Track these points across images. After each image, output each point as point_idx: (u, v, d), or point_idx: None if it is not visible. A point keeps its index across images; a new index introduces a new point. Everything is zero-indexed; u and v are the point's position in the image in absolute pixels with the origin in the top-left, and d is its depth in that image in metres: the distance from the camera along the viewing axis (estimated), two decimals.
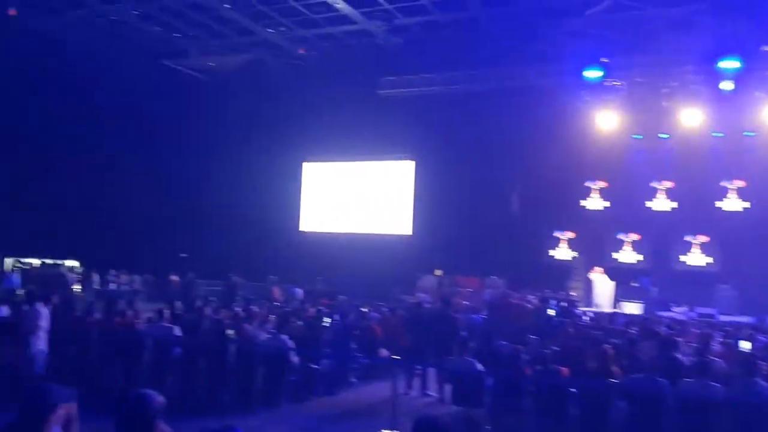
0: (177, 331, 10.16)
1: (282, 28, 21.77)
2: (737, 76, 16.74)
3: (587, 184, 22.27)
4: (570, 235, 22.51)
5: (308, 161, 25.91)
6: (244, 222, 23.03)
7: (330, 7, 19.75)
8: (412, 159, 23.93)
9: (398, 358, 10.55)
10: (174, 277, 20.83)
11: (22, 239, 21.43)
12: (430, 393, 10.90)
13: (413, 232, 23.53)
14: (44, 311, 9.72)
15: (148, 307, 12.93)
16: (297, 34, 22.08)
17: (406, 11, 19.71)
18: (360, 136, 22.85)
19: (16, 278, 18.85)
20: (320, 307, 13.13)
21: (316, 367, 10.38)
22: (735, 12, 15.77)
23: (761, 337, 12.21)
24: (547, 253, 22.63)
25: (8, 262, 21.91)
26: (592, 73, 18.18)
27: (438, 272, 20.93)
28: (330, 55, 22.80)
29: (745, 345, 10.90)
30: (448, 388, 9.89)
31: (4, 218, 20.59)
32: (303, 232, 25.55)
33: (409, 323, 11.99)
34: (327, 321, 11.91)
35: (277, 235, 23.68)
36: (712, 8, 16.38)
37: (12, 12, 20.22)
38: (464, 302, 17.54)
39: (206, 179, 23.84)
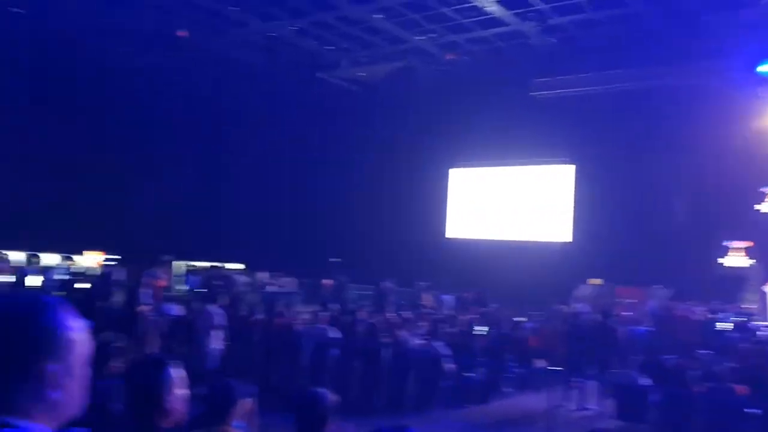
0: (334, 332, 10.47)
1: (432, 35, 21.92)
2: None
3: (762, 188, 20.38)
4: (744, 242, 20.69)
5: (456, 167, 25.84)
6: (391, 228, 23.38)
7: (481, 11, 19.61)
8: (571, 162, 23.07)
9: (555, 369, 10.21)
10: (327, 281, 21.54)
11: (190, 243, 23.11)
12: (590, 406, 10.43)
13: (573, 238, 22.67)
14: (218, 311, 10.34)
15: (304, 309, 13.44)
16: (447, 39, 22.14)
17: (560, 10, 19.16)
18: (512, 140, 22.41)
19: (194, 279, 20.25)
20: (473, 315, 13.01)
21: (469, 375, 10.28)
22: None
23: None
24: (717, 261, 20.96)
25: (179, 264, 23.65)
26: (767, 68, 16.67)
27: (596, 281, 20.00)
28: (480, 58, 22.65)
29: None
30: (607, 402, 9.43)
31: (176, 224, 22.36)
32: (449, 239, 25.48)
33: (567, 334, 11.56)
34: (481, 330, 11.76)
35: (423, 242, 23.80)
36: None
37: (182, 34, 21.98)
38: (625, 313, 16.67)
39: (356, 187, 24.49)
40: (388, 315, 12.56)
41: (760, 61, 16.82)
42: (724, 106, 18.02)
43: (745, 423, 7.40)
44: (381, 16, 20.67)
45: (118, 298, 12.13)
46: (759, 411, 7.37)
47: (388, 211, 23.76)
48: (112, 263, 20.11)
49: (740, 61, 16.87)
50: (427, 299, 19.18)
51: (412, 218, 23.96)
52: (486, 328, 11.89)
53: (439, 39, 22.14)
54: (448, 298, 18.95)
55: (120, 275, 14.12)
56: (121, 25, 21.03)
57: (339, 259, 23.16)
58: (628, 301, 18.23)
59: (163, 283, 14.93)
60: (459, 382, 10.13)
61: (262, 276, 21.45)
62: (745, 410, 7.47)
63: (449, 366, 9.67)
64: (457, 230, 25.67)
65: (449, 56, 23.34)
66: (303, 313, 12.30)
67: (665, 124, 19.24)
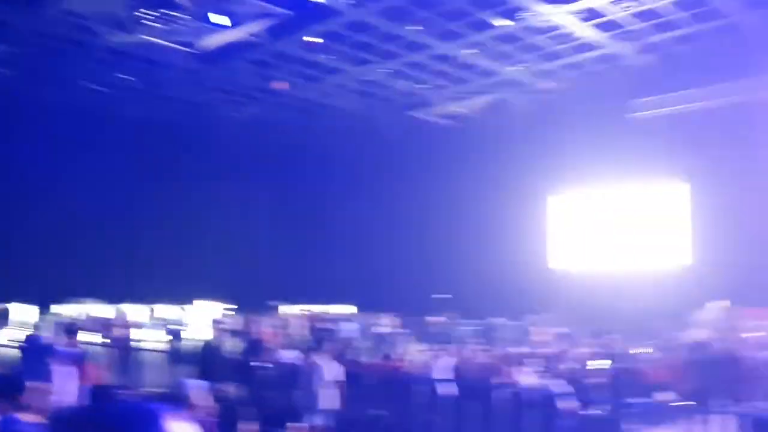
0: (445, 373, 10.37)
1: (524, 64, 21.78)
2: None
3: None
4: None
5: (553, 194, 25.23)
6: (494, 262, 23.05)
7: (572, 36, 19.35)
8: (686, 181, 21.92)
9: (682, 403, 9.65)
10: (434, 319, 21.43)
11: (296, 288, 23.70)
12: None
13: (694, 260, 21.43)
14: (330, 363, 9.80)
15: (413, 348, 13.38)
16: (539, 68, 21.94)
17: (656, 28, 18.63)
18: (611, 163, 21.68)
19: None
20: (588, 349, 12.54)
21: (588, 412, 9.89)
22: None
23: None
24: None
25: (284, 309, 24.19)
26: None
27: (723, 304, 18.73)
28: (576, 83, 22.25)
29: None
30: None
31: (284, 270, 23.08)
32: (552, 270, 24.77)
33: (692, 364, 10.90)
34: (598, 363, 11.31)
35: (526, 274, 23.28)
36: None
37: (281, 85, 22.93)
38: (754, 336, 15.54)
39: (458, 222, 24.42)
40: (500, 352, 12.34)
41: None
42: None
43: None
44: (471, 51, 20.77)
45: (235, 347, 12.37)
46: None
47: (490, 244, 23.49)
48: (228, 312, 20.88)
49: None
50: (537, 334, 18.68)
51: (515, 250, 23.53)
52: (605, 362, 11.42)
53: (531, 67, 21.98)
54: (560, 332, 18.35)
55: (236, 324, 14.54)
56: (221, 83, 22.23)
57: (448, 295, 23.03)
58: (758, 323, 16.98)
59: (269, 331, 15.24)
60: (578, 421, 9.74)
61: (369, 317, 21.60)
62: None
63: (569, 404, 9.33)
64: (560, 259, 24.95)
65: (542, 84, 23.11)
66: (413, 354, 12.24)
67: None
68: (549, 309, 20.53)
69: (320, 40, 19.94)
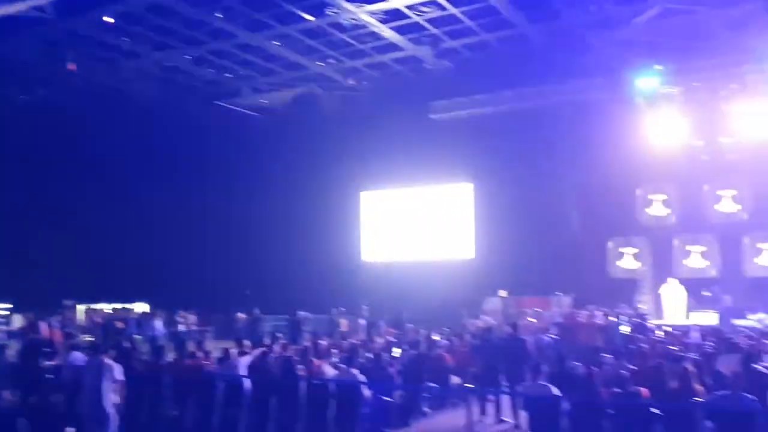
0: (245, 369, 10.27)
1: (331, 60, 22.14)
2: None
3: (649, 194, 21.76)
4: (634, 247, 21.98)
5: (366, 190, 26.06)
6: (305, 256, 23.28)
7: (377, 36, 20.01)
8: (470, 181, 23.77)
9: (471, 385, 10.43)
10: (240, 315, 21.13)
11: (91, 284, 22.11)
12: (506, 419, 10.71)
13: (476, 254, 23.33)
14: (112, 364, 9.01)
15: (217, 346, 13.09)
16: (346, 65, 22.43)
17: (452, 34, 19.82)
18: (416, 162, 22.90)
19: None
20: (389, 338, 13.10)
21: (388, 399, 10.33)
22: None
23: None
24: (612, 266, 22.14)
25: (80, 308, 22.57)
26: (646, 82, 17.82)
27: (503, 293, 20.67)
28: (381, 82, 23.07)
29: None
30: (523, 414, 9.70)
31: (72, 264, 21.35)
32: (365, 262, 25.62)
33: (479, 349, 11.83)
34: (396, 351, 11.86)
35: (339, 267, 23.83)
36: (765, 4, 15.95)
37: (71, 67, 21.17)
38: (531, 323, 17.25)
39: (266, 215, 24.25)
40: (302, 345, 12.46)
41: (638, 76, 17.92)
42: (611, 120, 19.11)
43: (652, 425, 7.80)
44: (277, 43, 20.71)
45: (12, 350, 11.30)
46: (660, 411, 7.78)
47: (301, 238, 23.64)
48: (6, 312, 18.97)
49: (621, 76, 17.93)
50: (344, 325, 19.17)
51: (327, 244, 23.94)
52: (400, 350, 12.01)
53: (338, 65, 22.40)
54: (365, 323, 18.99)
55: (21, 325, 13.26)
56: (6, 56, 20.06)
57: (250, 292, 22.79)
58: (533, 310, 18.89)
59: (57, 332, 14.14)
60: (378, 407, 10.15)
61: (170, 315, 20.77)
62: (651, 412, 7.85)
63: (367, 393, 9.69)
64: (373, 253, 25.85)
65: (350, 82, 23.66)
66: (214, 351, 11.97)
67: (556, 139, 20.24)
68: (360, 301, 21.16)
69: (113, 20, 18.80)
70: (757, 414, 7.34)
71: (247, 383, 10.03)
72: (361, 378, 9.73)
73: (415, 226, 25.15)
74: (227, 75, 23.60)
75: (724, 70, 17.60)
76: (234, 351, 10.96)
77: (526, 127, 20.48)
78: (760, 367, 9.07)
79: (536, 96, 19.98)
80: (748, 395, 7.54)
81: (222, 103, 24.83)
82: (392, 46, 20.83)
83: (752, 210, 20.26)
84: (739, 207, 20.51)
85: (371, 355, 11.18)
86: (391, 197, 25.81)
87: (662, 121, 19.06)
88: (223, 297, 22.52)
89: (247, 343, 12.08)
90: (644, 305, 19.90)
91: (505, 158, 21.42)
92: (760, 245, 20.16)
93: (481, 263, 22.60)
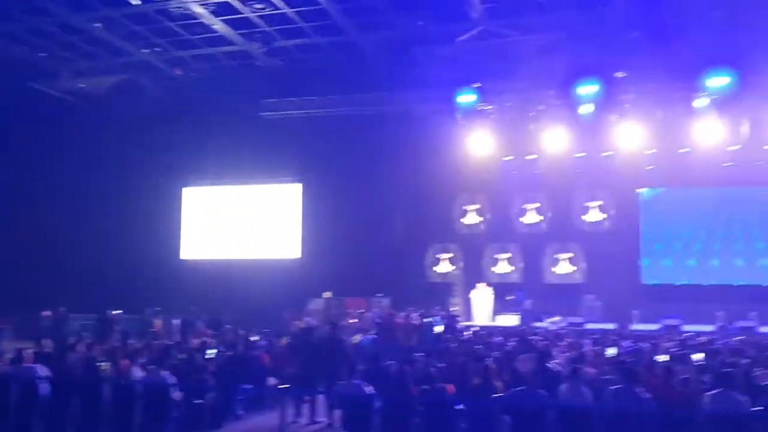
0: (42, 370, 9.49)
1: (157, 49, 21.13)
2: (595, 100, 17.97)
3: (464, 203, 23.14)
4: (450, 252, 23.24)
5: (189, 186, 25.11)
6: (120, 252, 21.97)
7: (207, 28, 19.42)
8: (299, 182, 23.74)
9: (286, 386, 10.41)
10: (46, 313, 19.42)
11: None
12: (320, 420, 10.82)
13: (302, 255, 23.33)
14: None
15: (14, 346, 12.05)
16: (173, 54, 21.51)
17: (284, 33, 19.72)
18: (244, 159, 22.48)
19: None
20: (205, 339, 12.73)
21: (199, 401, 10.03)
22: (592, 39, 16.96)
23: (624, 343, 13.12)
24: (430, 270, 23.23)
25: None
26: (466, 98, 18.90)
27: (327, 294, 20.90)
28: (209, 76, 22.38)
29: (611, 351, 11.67)
30: (337, 413, 9.85)
31: None
32: (185, 260, 24.66)
33: (298, 349, 11.86)
34: (211, 352, 11.56)
35: (157, 264, 22.74)
36: (571, 35, 17.54)
37: None
38: (352, 323, 17.62)
39: (79, 208, 22.58)
40: (110, 346, 11.76)
41: (459, 92, 18.96)
42: (432, 131, 20.09)
43: (456, 419, 8.26)
44: (99, 25, 19.42)
45: None
46: (464, 407, 8.28)
47: (116, 234, 22.26)
48: None
49: (443, 90, 18.87)
50: (159, 325, 18.33)
51: (145, 240, 22.74)
52: (215, 351, 11.73)
53: (164, 53, 21.43)
54: (178, 322, 18.28)
55: None
56: None
57: (57, 288, 21.03)
58: (355, 311, 19.33)
59: None
60: (189, 410, 9.82)
61: None
62: (456, 407, 8.32)
63: (176, 394, 9.34)
64: (193, 251, 24.93)
65: (177, 72, 22.72)
66: (8, 352, 10.96)
67: (382, 146, 20.87)
68: (178, 300, 20.33)
69: None
70: (548, 407, 8.03)
71: (45, 386, 9.28)
72: (171, 380, 9.37)
73: (240, 225, 24.66)
74: (43, 55, 21.68)
75: (532, 93, 19.17)
76: (30, 352, 10.11)
77: (355, 131, 20.92)
78: (551, 365, 9.94)
79: (365, 103, 20.45)
80: (541, 391, 8.23)
81: (36, 86, 22.69)
82: (223, 40, 20.33)
83: (551, 223, 22.34)
84: (541, 218, 22.49)
85: (184, 356, 10.81)
86: (216, 194, 25.12)
87: (479, 136, 20.34)
88: (28, 293, 20.59)
89: (47, 342, 11.20)
90: (456, 307, 21.12)
91: (334, 161, 21.72)
92: (557, 255, 22.20)
93: (306, 264, 22.68)
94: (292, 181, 23.78)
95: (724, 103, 17.39)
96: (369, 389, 8.92)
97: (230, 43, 20.48)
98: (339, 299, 20.88)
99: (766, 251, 20.60)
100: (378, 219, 21.91)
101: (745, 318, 18.15)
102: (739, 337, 14.39)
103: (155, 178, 23.16)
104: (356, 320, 18.24)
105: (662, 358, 10.67)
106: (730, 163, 19.73)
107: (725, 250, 20.97)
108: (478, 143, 20.48)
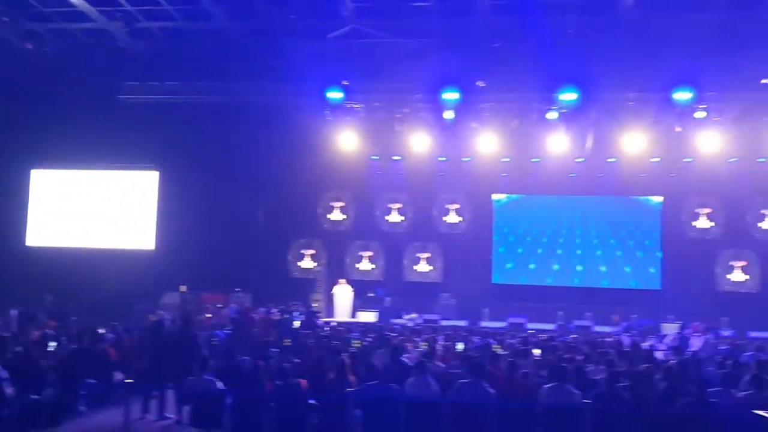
0: None
1: (5, 19, 19.47)
2: (457, 107, 18.69)
3: (330, 200, 23.28)
4: (313, 249, 23.30)
5: (38, 168, 23.35)
6: None
7: (63, 1, 18.18)
8: (156, 169, 22.74)
9: (132, 381, 10.02)
10: None
11: None
12: (168, 416, 10.50)
13: (156, 246, 22.36)
14: None
15: None
16: (25, 27, 19.92)
17: (149, 15, 18.86)
18: (99, 143, 21.18)
19: None
20: (47, 330, 11.95)
21: (35, 397, 9.41)
22: (456, 47, 17.62)
23: (474, 339, 13.83)
24: (293, 266, 23.15)
25: None
26: (334, 95, 18.99)
27: (182, 288, 20.23)
28: (65, 53, 20.90)
29: (460, 346, 12.29)
30: (186, 409, 9.61)
31: None
32: (31, 247, 22.93)
33: (147, 343, 11.43)
34: (53, 345, 10.88)
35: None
36: (438, 42, 18.14)
37: None
38: (208, 318, 17.23)
39: None
40: None
41: (328, 88, 19.03)
42: (300, 126, 20.01)
43: (308, 414, 8.31)
44: None
45: None
46: (316, 402, 8.36)
47: None
48: None
49: (312, 85, 18.86)
50: None
51: None
52: (56, 344, 11.06)
53: (14, 25, 19.80)
54: (15, 313, 16.97)
55: None
56: None
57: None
58: (212, 306, 18.93)
59: None
60: (24, 407, 9.19)
61: None
62: (308, 402, 8.37)
63: (9, 390, 8.71)
64: (40, 238, 23.20)
65: (28, 46, 21.04)
66: None
67: (247, 137, 20.53)
68: (20, 289, 18.88)
69: None
70: (398, 400, 8.29)
71: None
72: (3, 374, 8.74)
73: (93, 212, 23.26)
74: None
75: (399, 95, 19.61)
76: None
77: (219, 121, 20.31)
78: (404, 359, 10.26)
79: (230, 92, 19.94)
80: (393, 384, 8.48)
81: None
82: (81, 16, 19.10)
83: (412, 222, 23.03)
84: (403, 218, 23.12)
85: (20, 349, 10.11)
86: (68, 178, 23.54)
87: (346, 134, 20.54)
88: None
89: None
90: (318, 303, 21.23)
91: (195, 150, 21.02)
92: (417, 254, 22.91)
93: (161, 256, 21.81)
94: (149, 169, 22.74)
95: (571, 117, 18.70)
96: (220, 385, 8.79)
97: (90, 19, 19.29)
98: (196, 293, 20.30)
99: (603, 257, 22.37)
100: (239, 212, 21.52)
101: (582, 318, 19.67)
102: (575, 336, 15.56)
103: (0, 158, 21.42)
104: (212, 315, 17.85)
105: (500, 350, 11.38)
106: (574, 174, 21.29)
107: (566, 255, 22.55)
108: (346, 141, 20.68)
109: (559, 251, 22.55)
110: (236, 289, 20.27)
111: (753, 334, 17.35)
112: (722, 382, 8.68)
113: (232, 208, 21.24)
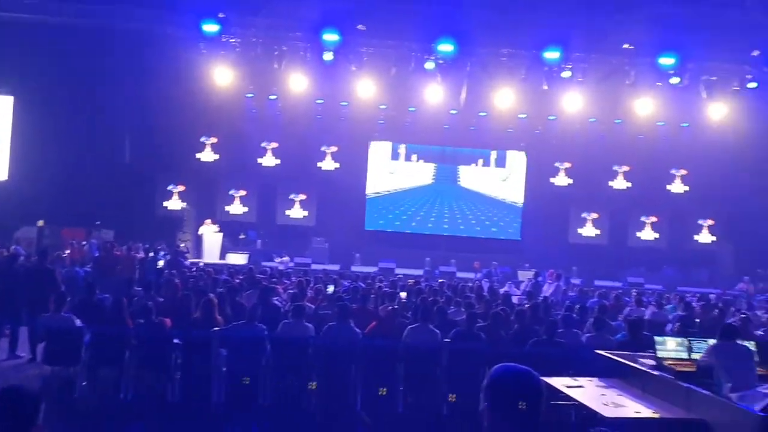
0: None
1: None
2: (337, 49, 18.44)
3: (202, 137, 22.50)
4: (182, 187, 22.55)
5: None
6: None
7: None
8: (9, 94, 20.81)
9: None
10: None
11: None
12: (21, 354, 10.00)
13: (9, 176, 20.67)
14: None
15: None
16: None
17: None
18: None
19: None
20: None
21: None
22: None
23: (344, 282, 14.10)
24: (160, 204, 22.33)
25: None
26: (210, 27, 18.12)
27: (40, 223, 18.96)
28: None
29: (330, 288, 12.50)
30: (41, 347, 9.19)
31: None
32: None
33: (0, 279, 10.71)
34: None
35: None
36: None
37: None
38: (67, 255, 16.37)
39: None
40: None
41: (204, 19, 18.11)
42: (173, 57, 18.91)
43: (171, 352, 8.21)
44: None
45: None
46: (179, 341, 8.28)
47: None
48: None
49: (188, 16, 17.89)
50: None
51: None
52: None
53: None
54: None
55: None
56: None
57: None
58: (72, 242, 18.00)
59: None
60: None
61: None
62: (172, 341, 8.27)
63: None
64: None
65: None
66: None
67: (116, 65, 19.13)
68: None
69: None
70: (264, 339, 8.36)
71: None
72: None
73: None
74: None
75: (278, 32, 19.00)
76: None
77: (84, 45, 18.63)
78: (274, 301, 10.31)
79: (97, 14, 18.36)
80: (260, 324, 8.51)
81: None
82: None
83: (287, 165, 22.80)
84: (278, 161, 22.84)
85: None
86: None
87: (221, 69, 19.69)
88: None
89: None
90: (185, 244, 20.67)
91: (55, 75, 19.34)
92: (293, 197, 22.87)
93: (16, 187, 20.18)
94: (2, 93, 20.84)
95: (447, 68, 19.05)
96: (79, 322, 8.46)
97: None
98: (54, 228, 19.13)
99: (469, 208, 23.38)
100: (104, 144, 20.35)
101: (447, 264, 20.54)
102: (441, 280, 16.23)
103: None
104: (71, 251, 16.97)
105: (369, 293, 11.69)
106: (447, 126, 21.87)
107: (439, 205, 23.36)
108: (221, 76, 19.84)
109: (431, 200, 23.31)
110: (96, 222, 19.28)
111: (598, 282, 18.91)
112: (569, 325, 9.41)
113: (96, 140, 20.01)
